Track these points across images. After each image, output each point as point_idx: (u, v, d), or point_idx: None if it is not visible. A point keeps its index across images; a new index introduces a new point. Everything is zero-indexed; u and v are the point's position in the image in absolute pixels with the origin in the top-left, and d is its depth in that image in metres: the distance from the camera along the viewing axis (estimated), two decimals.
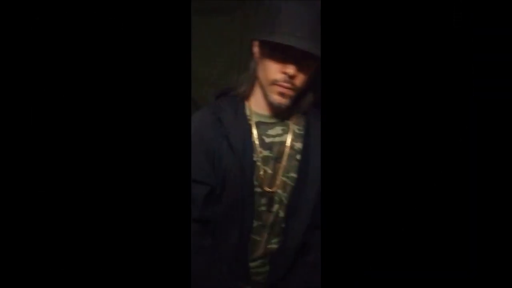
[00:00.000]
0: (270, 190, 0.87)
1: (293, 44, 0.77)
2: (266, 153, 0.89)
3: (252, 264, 0.91)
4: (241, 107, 0.91)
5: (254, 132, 0.89)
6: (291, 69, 0.81)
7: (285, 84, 0.83)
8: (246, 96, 0.92)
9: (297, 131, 0.91)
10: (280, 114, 0.91)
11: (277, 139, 0.90)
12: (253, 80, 0.90)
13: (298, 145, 0.90)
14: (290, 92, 0.84)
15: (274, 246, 0.91)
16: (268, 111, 0.91)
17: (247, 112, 0.91)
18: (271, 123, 0.91)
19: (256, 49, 0.87)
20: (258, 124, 0.90)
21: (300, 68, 0.82)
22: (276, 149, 0.90)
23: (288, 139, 0.90)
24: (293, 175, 0.89)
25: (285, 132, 0.91)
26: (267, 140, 0.89)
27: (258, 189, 0.88)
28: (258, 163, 0.88)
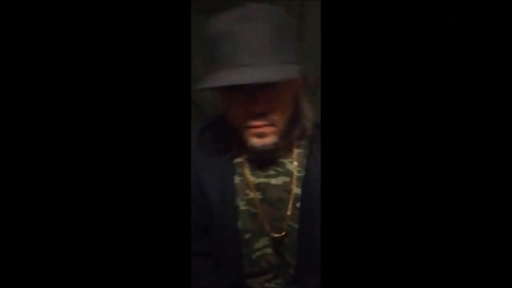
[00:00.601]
0: (275, 235, 0.75)
1: (230, 82, 0.62)
2: (256, 195, 0.76)
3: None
4: (229, 137, 0.76)
5: (239, 174, 0.76)
6: (256, 108, 0.66)
7: (259, 124, 0.68)
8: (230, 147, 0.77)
9: (293, 170, 0.76)
10: (271, 153, 0.75)
11: (268, 180, 0.76)
12: (229, 132, 0.75)
13: (296, 190, 0.76)
14: (269, 130, 0.70)
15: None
16: (255, 153, 0.75)
17: (237, 145, 0.76)
18: (262, 160, 0.76)
19: (216, 95, 0.72)
20: (245, 163, 0.77)
21: (268, 100, 0.67)
22: (269, 191, 0.76)
23: (281, 182, 0.76)
24: (292, 223, 0.76)
25: (280, 173, 0.77)
26: (257, 181, 0.76)
27: (247, 236, 0.76)
28: (243, 208, 0.76)
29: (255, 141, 0.70)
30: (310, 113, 0.75)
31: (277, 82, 0.65)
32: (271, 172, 0.76)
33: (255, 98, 0.66)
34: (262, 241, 0.77)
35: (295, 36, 0.69)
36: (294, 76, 0.66)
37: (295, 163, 0.76)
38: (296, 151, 0.76)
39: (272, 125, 0.69)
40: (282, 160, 0.77)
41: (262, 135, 0.70)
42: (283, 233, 0.75)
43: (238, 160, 0.77)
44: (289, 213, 0.75)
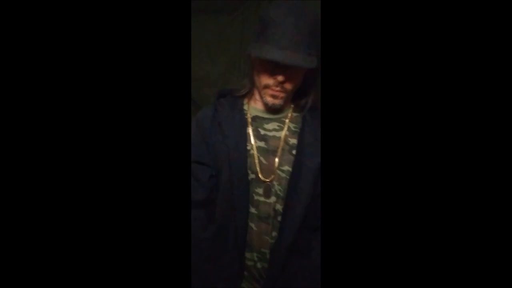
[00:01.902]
0: (267, 180, 0.93)
1: (276, 58, 0.85)
2: (261, 144, 0.95)
3: (248, 255, 0.94)
4: (239, 103, 0.99)
5: (250, 124, 0.97)
6: (280, 77, 0.89)
7: (276, 89, 0.92)
8: (246, 95, 1.00)
9: (292, 128, 0.98)
10: (276, 112, 0.98)
11: (272, 133, 0.97)
12: (252, 83, 0.98)
13: (293, 140, 0.96)
14: (281, 95, 0.93)
15: (270, 241, 0.93)
16: (265, 109, 0.98)
17: (245, 108, 0.99)
18: (268, 119, 0.98)
19: (251, 57, 0.94)
20: (255, 118, 0.98)
21: (289, 75, 0.91)
22: (271, 142, 0.96)
23: (283, 134, 0.96)
24: (288, 168, 0.94)
25: (281, 128, 0.97)
26: (262, 132, 0.96)
27: (252, 176, 0.93)
28: (252, 152, 0.94)
29: (269, 100, 0.94)
30: (315, 95, 0.99)
31: (305, 68, 0.88)
32: (276, 127, 0.98)
33: (281, 70, 0.89)
34: (257, 187, 0.95)
35: (319, 34, 0.89)
36: (316, 66, 0.89)
37: (293, 123, 0.99)
38: (294, 114, 1.00)
39: (284, 91, 0.93)
40: (284, 119, 0.99)
41: (275, 97, 0.93)
42: (272, 177, 0.94)
43: (251, 115, 0.99)
44: (277, 160, 0.95)
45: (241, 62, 1.25)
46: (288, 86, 0.92)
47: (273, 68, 0.89)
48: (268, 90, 0.93)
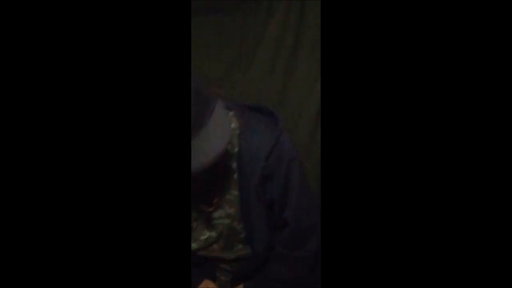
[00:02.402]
0: (210, 209, 0.94)
1: None
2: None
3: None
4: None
5: None
6: None
7: None
8: None
9: (230, 151, 0.94)
10: None
11: None
12: None
13: (233, 164, 0.94)
14: None
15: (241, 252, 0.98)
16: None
17: None
18: None
19: None
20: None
21: None
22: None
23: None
24: (235, 192, 0.95)
25: None
26: None
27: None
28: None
29: None
30: None
31: None
32: None
33: None
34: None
35: None
36: None
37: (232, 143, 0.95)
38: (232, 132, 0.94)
39: None
40: None
41: None
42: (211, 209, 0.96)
43: None
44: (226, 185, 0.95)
45: (241, 62, 1.26)
46: None
47: None
48: None
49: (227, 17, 1.27)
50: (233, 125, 0.95)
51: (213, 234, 0.97)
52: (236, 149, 0.94)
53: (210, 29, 1.28)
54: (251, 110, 1.00)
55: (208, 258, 1.00)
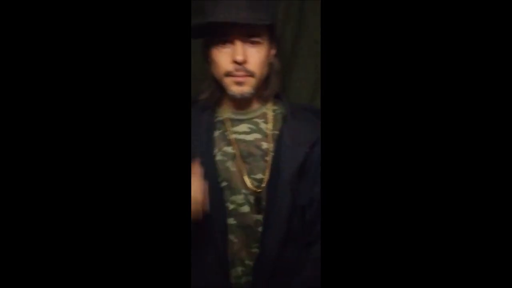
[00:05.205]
0: (257, 190, 0.84)
1: (227, 19, 0.76)
2: (228, 149, 0.87)
3: (232, 272, 0.85)
4: (210, 106, 0.90)
5: (217, 127, 0.88)
6: (238, 55, 0.79)
7: (239, 73, 0.81)
8: (215, 101, 0.90)
9: (266, 130, 0.88)
10: (248, 110, 0.89)
11: (242, 136, 0.88)
12: (214, 83, 0.87)
13: (266, 145, 0.87)
14: (247, 80, 0.82)
15: (253, 250, 0.85)
16: (236, 108, 0.89)
17: (216, 112, 0.90)
18: (238, 120, 0.89)
19: (205, 50, 0.85)
20: (224, 121, 0.89)
21: (249, 51, 0.81)
22: (242, 147, 0.87)
23: (253, 138, 0.87)
24: (261, 176, 0.85)
25: (252, 130, 0.88)
26: (231, 136, 0.87)
27: (224, 184, 0.85)
28: (218, 158, 0.86)
29: (234, 89, 0.83)
30: (278, 81, 0.89)
31: (258, 41, 0.81)
32: (246, 130, 0.88)
33: (238, 47, 0.80)
34: (238, 197, 0.86)
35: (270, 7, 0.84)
36: (273, 23, 0.81)
37: (269, 124, 0.88)
38: (270, 114, 0.89)
39: (250, 75, 0.82)
40: (257, 120, 0.89)
41: (241, 83, 0.82)
42: (260, 190, 0.84)
43: (220, 118, 0.89)
44: (248, 166, 0.86)
45: None
46: (251, 66, 0.81)
47: (228, 49, 0.80)
48: (230, 79, 0.82)
49: None
50: (276, 107, 0.91)
51: (232, 221, 0.85)
52: (277, 132, 0.87)
53: None
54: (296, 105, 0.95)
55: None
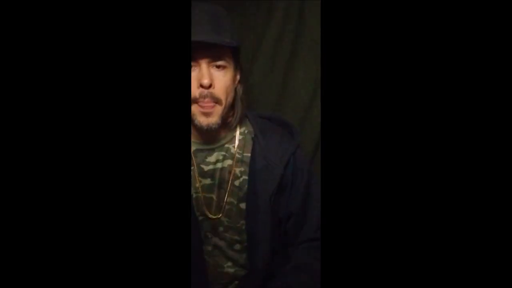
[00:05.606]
0: (213, 216, 0.87)
1: (199, 38, 0.76)
2: (207, 181, 0.88)
3: None
4: None
5: (192, 161, 0.88)
6: (205, 79, 0.79)
7: (205, 101, 0.81)
8: None
9: (237, 155, 0.89)
10: (216, 138, 0.89)
11: (217, 165, 0.89)
12: None
13: (240, 169, 0.89)
14: (214, 109, 0.82)
15: (239, 272, 0.91)
16: (203, 138, 0.89)
17: None
18: (209, 149, 0.89)
19: None
20: (196, 153, 0.88)
21: (215, 75, 0.81)
22: (218, 175, 0.89)
23: (227, 164, 0.89)
24: (233, 200, 0.88)
25: (225, 157, 0.89)
26: (206, 168, 0.88)
27: (201, 218, 0.88)
28: (197, 194, 0.87)
29: (202, 120, 0.82)
30: (243, 107, 0.89)
31: (223, 65, 0.82)
32: (219, 158, 0.89)
33: (202, 71, 0.80)
34: (207, 225, 0.89)
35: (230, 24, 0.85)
36: (232, 44, 0.81)
37: (236, 147, 0.89)
38: (238, 136, 0.90)
39: (216, 102, 0.82)
40: (227, 145, 0.90)
41: (208, 114, 0.82)
42: (219, 215, 0.88)
43: (192, 151, 0.88)
44: (227, 192, 0.88)
45: (241, 62, 1.25)
46: (217, 92, 0.81)
47: (194, 71, 0.80)
48: (197, 108, 0.81)
49: None
50: (244, 129, 0.92)
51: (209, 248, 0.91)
52: (248, 154, 0.90)
53: None
54: (262, 118, 0.96)
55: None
